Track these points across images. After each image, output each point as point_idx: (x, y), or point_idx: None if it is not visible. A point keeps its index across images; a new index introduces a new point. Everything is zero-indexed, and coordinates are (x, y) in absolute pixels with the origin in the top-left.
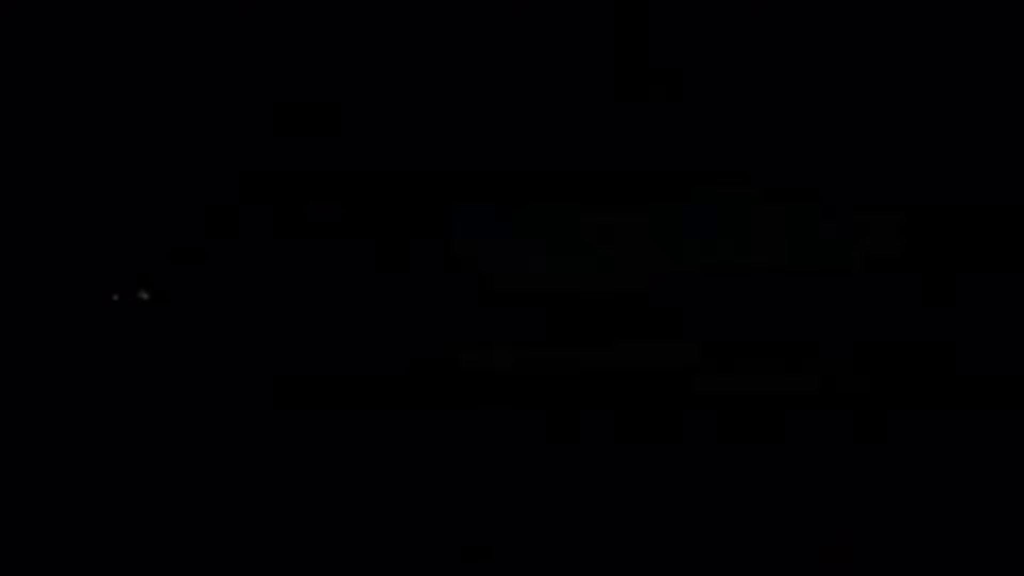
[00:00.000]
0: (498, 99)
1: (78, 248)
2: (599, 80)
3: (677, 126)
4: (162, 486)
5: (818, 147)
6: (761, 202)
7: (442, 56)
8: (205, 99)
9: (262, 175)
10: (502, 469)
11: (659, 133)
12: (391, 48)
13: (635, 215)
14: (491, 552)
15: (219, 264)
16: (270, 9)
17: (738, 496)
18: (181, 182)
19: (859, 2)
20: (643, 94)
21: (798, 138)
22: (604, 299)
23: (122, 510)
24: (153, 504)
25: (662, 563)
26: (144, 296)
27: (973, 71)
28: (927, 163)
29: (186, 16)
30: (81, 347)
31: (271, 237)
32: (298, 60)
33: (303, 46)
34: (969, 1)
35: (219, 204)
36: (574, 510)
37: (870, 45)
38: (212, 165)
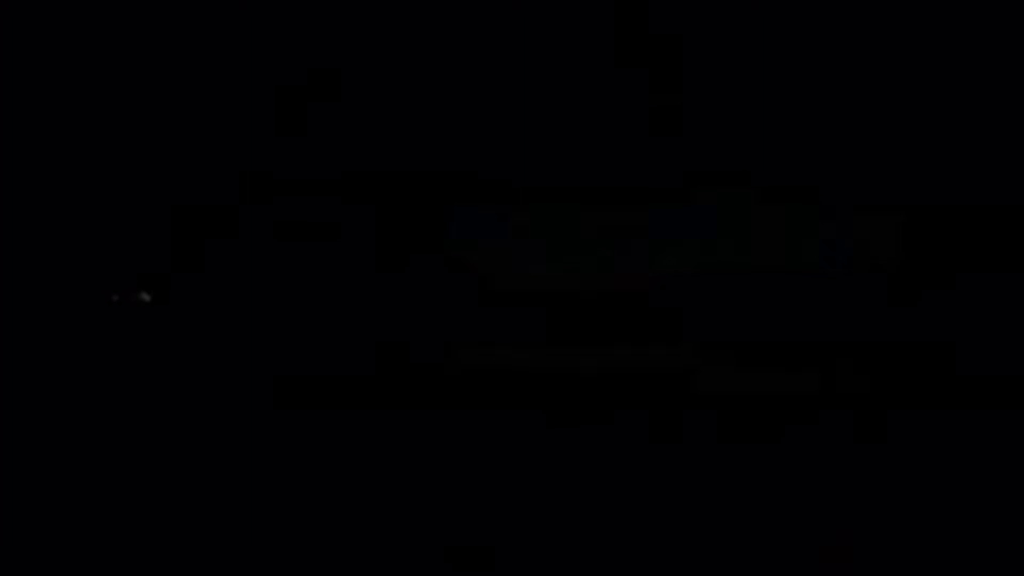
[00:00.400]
0: (498, 99)
1: (78, 248)
2: (599, 79)
3: (677, 126)
4: (162, 486)
5: (818, 147)
6: (761, 202)
7: (442, 55)
8: (205, 99)
9: (262, 175)
10: (502, 469)
11: (659, 133)
12: (390, 48)
13: (635, 215)
14: (491, 552)
15: (219, 264)
16: (269, 9)
17: (738, 496)
18: (181, 182)
19: (859, 2)
20: (643, 94)
21: (798, 138)
22: (604, 299)
23: (122, 510)
24: (153, 504)
25: (662, 563)
26: (145, 298)
27: (973, 71)
28: (927, 163)
29: (186, 17)
30: (81, 347)
31: (271, 237)
32: (298, 59)
33: (303, 46)
34: (969, 1)
35: (219, 204)
36: (574, 510)
37: (870, 45)
38: (212, 165)
